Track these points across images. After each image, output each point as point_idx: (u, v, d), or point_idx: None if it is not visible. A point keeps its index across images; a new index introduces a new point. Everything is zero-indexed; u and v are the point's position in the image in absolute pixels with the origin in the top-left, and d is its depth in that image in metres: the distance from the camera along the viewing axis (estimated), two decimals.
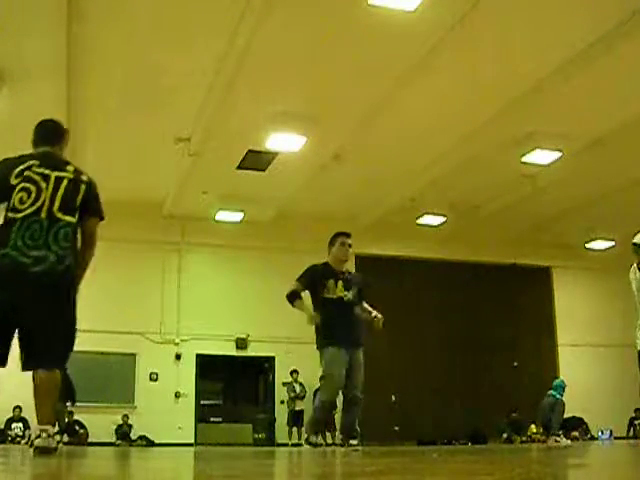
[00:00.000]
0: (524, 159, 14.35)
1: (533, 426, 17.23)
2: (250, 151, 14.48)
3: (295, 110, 12.75)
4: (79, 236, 4.68)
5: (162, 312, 17.65)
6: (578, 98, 12.26)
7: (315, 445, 6.88)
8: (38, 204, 4.46)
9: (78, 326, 4.71)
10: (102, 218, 4.79)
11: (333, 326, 6.76)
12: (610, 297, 20.58)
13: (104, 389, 16.91)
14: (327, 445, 7.06)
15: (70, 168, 4.67)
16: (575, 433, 16.03)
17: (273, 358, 18.25)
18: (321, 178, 15.50)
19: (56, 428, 4.82)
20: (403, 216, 17.78)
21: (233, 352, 18.18)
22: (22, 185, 4.48)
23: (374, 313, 7.02)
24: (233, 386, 20.34)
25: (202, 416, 18.13)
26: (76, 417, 16.25)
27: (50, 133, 4.89)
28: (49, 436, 4.36)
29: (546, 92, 11.85)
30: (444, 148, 14.12)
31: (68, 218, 4.54)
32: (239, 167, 15.27)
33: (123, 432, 16.51)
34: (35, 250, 4.40)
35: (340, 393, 6.93)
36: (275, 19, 9.83)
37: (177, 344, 17.74)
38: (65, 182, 4.58)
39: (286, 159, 14.50)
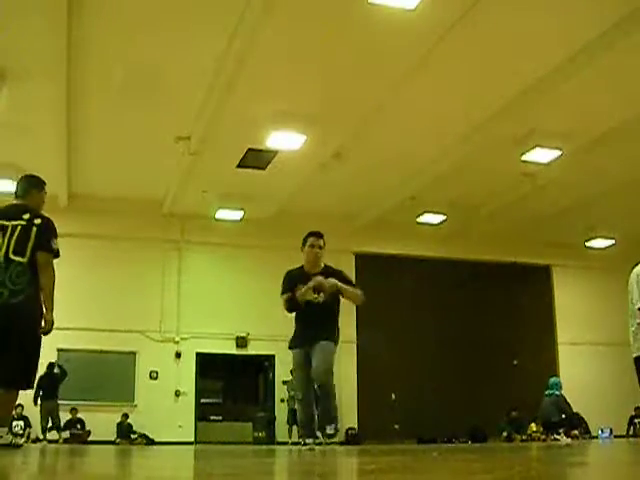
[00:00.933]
0: (524, 157, 14.35)
1: (533, 425, 17.23)
2: (250, 149, 14.48)
3: (295, 109, 12.75)
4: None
5: (162, 310, 17.66)
6: (578, 97, 12.26)
7: (310, 448, 6.76)
8: None
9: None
10: (54, 253, 5.64)
11: (300, 329, 6.87)
12: (610, 295, 20.57)
13: (104, 387, 16.92)
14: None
15: (26, 216, 5.62)
16: (575, 432, 16.02)
17: (273, 356, 18.24)
18: (321, 176, 15.50)
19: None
20: (403, 214, 17.78)
21: (233, 350, 18.19)
22: None
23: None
24: (233, 384, 20.35)
25: (202, 414, 18.14)
26: (79, 415, 16.30)
27: (20, 188, 5.88)
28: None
29: (546, 91, 11.85)
30: (444, 146, 14.12)
31: (19, 258, 5.46)
32: (239, 165, 15.27)
33: (123, 430, 16.51)
34: None
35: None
36: (275, 18, 9.83)
37: (177, 342, 17.74)
38: (18, 229, 5.53)
39: (286, 157, 14.50)
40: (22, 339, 5.45)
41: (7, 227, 5.53)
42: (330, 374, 6.68)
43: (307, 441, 6.77)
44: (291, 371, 7.14)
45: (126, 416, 16.71)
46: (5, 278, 5.43)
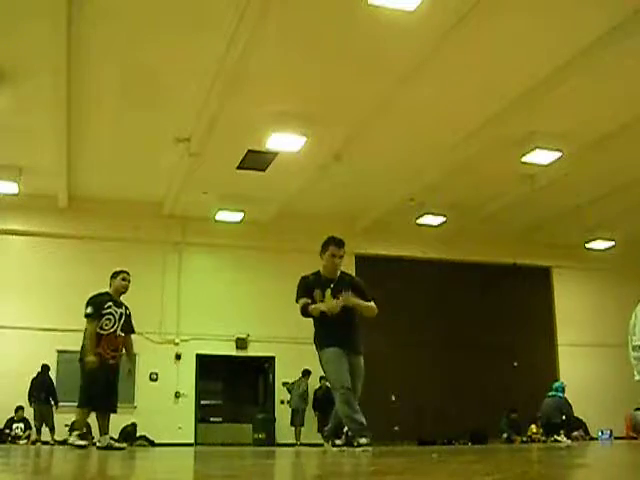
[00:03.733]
0: (524, 159, 14.34)
1: (533, 426, 17.22)
2: (250, 151, 14.47)
3: (295, 110, 12.75)
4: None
5: (162, 312, 17.63)
6: (578, 98, 12.26)
7: (342, 450, 6.62)
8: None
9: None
10: (86, 315, 8.08)
11: (330, 328, 6.69)
12: (610, 297, 20.56)
13: None
14: (334, 446, 6.87)
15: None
16: (576, 433, 16.01)
17: (273, 358, 18.24)
18: (321, 178, 15.50)
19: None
20: (403, 216, 17.78)
21: (233, 352, 18.17)
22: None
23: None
24: (233, 386, 20.33)
25: (202, 416, 18.12)
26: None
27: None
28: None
29: (546, 92, 11.85)
30: (444, 148, 14.12)
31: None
32: (239, 167, 15.27)
33: (127, 435, 16.37)
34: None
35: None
36: (275, 19, 9.83)
37: (177, 344, 17.73)
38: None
39: (286, 159, 14.50)
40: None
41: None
42: None
43: (337, 442, 6.66)
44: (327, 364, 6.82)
45: (134, 425, 16.53)
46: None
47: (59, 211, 17.01)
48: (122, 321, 8.15)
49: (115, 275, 8.46)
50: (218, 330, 17.89)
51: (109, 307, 8.11)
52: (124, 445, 8.24)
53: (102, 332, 7.92)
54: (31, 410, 15.33)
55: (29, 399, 15.16)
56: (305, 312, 6.70)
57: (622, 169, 15.13)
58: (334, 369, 6.60)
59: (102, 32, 10.53)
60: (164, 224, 17.77)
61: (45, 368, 15.35)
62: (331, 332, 6.71)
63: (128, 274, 8.59)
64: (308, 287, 6.79)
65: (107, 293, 8.29)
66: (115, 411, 8.30)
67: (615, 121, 13.16)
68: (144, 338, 17.45)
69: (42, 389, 15.07)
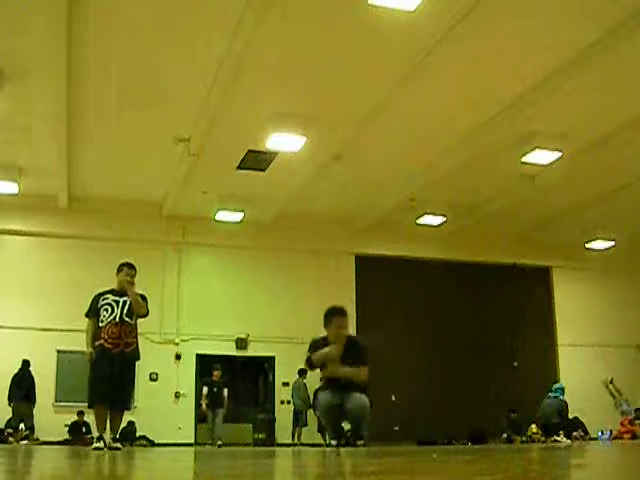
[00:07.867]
0: (524, 159, 14.34)
1: (533, 426, 17.21)
2: (250, 151, 14.48)
3: (295, 110, 12.75)
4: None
5: (162, 312, 17.60)
6: (578, 98, 12.26)
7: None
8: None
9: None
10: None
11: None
12: (610, 297, 20.56)
13: None
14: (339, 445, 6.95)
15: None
16: (576, 433, 16.01)
17: (273, 358, 18.24)
18: (321, 178, 15.50)
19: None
20: (403, 216, 17.78)
21: (233, 352, 18.18)
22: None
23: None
24: (233, 386, 20.30)
25: (202, 416, 18.07)
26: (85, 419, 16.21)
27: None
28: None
29: (546, 92, 11.86)
30: (444, 148, 14.12)
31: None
32: (239, 167, 15.27)
33: (126, 433, 16.35)
34: None
35: None
36: (275, 19, 9.83)
37: (177, 344, 17.73)
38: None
39: (286, 159, 14.50)
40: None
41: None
42: None
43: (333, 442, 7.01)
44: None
45: (132, 423, 16.51)
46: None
47: (59, 211, 17.01)
48: (126, 308, 7.65)
49: (118, 269, 7.94)
50: (218, 330, 17.90)
51: (106, 299, 7.72)
52: (119, 445, 7.79)
53: (101, 324, 7.61)
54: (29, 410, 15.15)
55: (9, 397, 14.90)
56: (310, 363, 6.95)
57: (622, 169, 15.13)
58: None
59: (102, 32, 10.53)
60: (164, 224, 17.78)
61: (25, 364, 15.10)
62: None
63: (130, 268, 7.89)
64: (318, 347, 6.90)
65: (112, 290, 7.88)
66: (122, 409, 7.98)
67: (615, 121, 13.16)
68: (144, 338, 17.42)
69: (20, 386, 14.87)
